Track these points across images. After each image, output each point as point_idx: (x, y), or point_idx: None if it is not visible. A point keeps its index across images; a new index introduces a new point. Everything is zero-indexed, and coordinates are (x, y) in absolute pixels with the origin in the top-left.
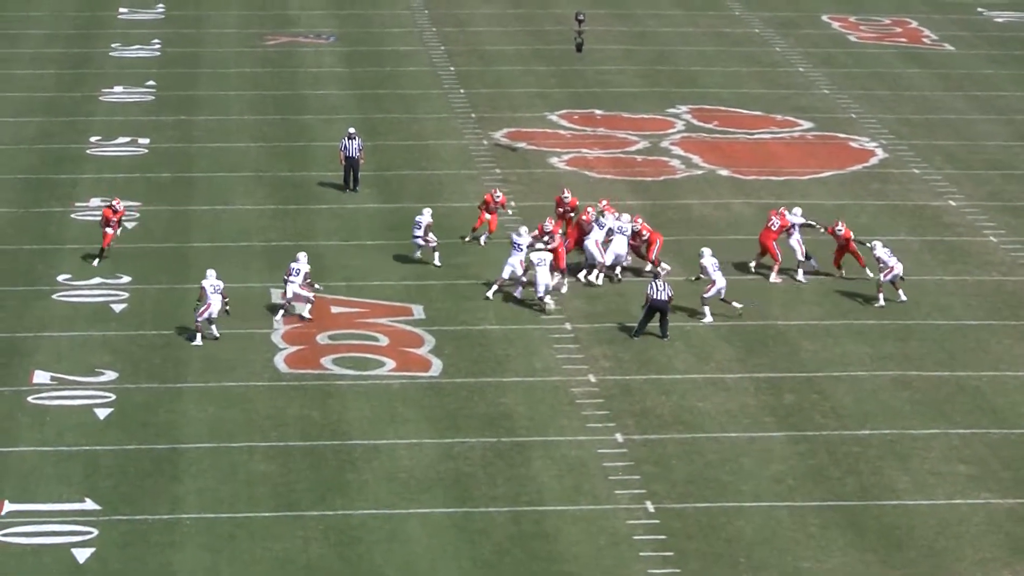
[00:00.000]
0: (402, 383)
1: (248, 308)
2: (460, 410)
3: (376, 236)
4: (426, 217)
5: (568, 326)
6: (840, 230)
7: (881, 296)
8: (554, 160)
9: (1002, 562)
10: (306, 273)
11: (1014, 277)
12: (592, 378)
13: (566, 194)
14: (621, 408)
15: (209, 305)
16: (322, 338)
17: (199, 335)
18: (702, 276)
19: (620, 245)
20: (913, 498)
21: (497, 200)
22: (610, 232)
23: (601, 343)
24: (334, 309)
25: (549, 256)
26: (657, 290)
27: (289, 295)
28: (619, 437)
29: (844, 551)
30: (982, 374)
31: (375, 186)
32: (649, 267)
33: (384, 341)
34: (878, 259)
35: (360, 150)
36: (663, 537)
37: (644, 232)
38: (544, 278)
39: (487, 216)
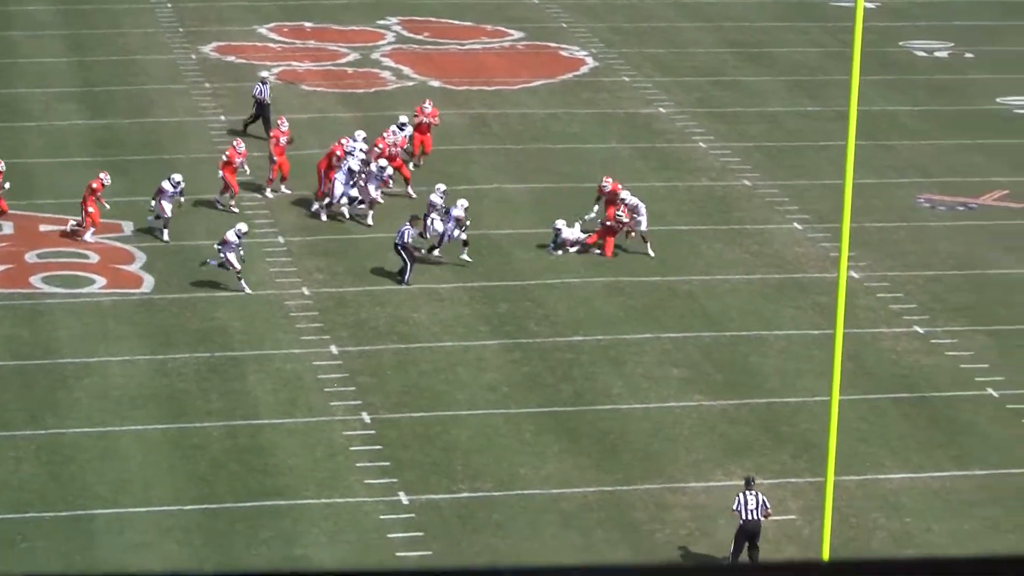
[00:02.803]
0: (114, 300)
1: None
2: (173, 326)
3: (85, 153)
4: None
5: (281, 239)
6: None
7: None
8: (264, 74)
9: (715, 463)
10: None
11: (723, 182)
12: (306, 291)
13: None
14: (335, 320)
15: None
16: (31, 256)
17: None
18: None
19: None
20: (627, 402)
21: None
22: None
23: (315, 256)
24: (43, 227)
25: None
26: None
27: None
28: (334, 349)
29: (560, 457)
30: (693, 278)
31: (82, 102)
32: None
33: (94, 258)
34: (632, 207)
35: (266, 96)
36: (379, 447)
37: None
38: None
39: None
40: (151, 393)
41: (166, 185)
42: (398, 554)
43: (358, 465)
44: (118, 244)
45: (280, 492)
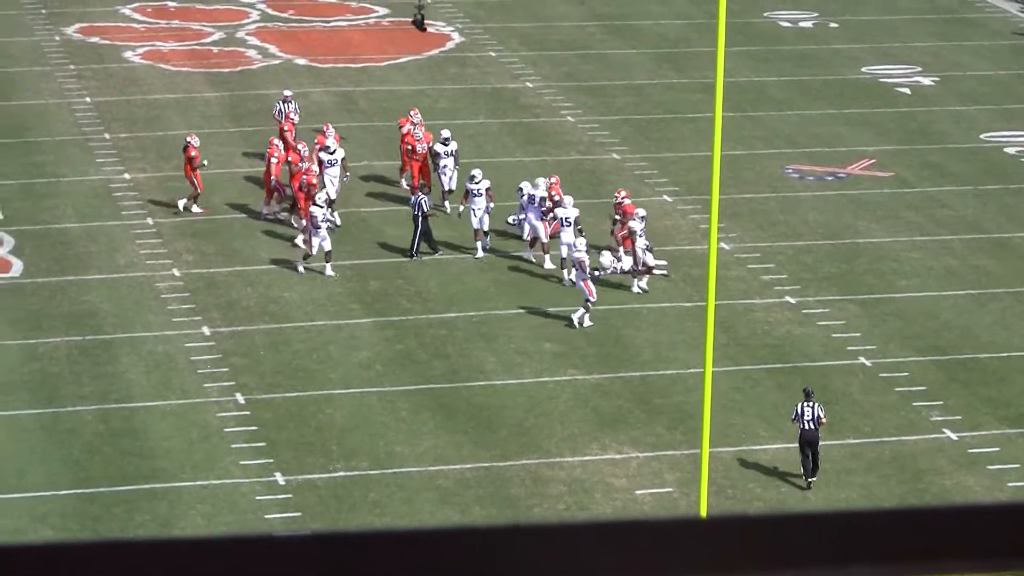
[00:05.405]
0: None
1: None
2: (43, 310)
3: None
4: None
5: (150, 220)
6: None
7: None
8: (129, 54)
9: (590, 436)
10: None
11: (592, 156)
12: (176, 272)
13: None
14: (207, 301)
15: None
16: None
17: None
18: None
19: None
20: (501, 378)
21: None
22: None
23: (184, 237)
24: None
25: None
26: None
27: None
28: (206, 330)
29: (435, 433)
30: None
31: None
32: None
33: None
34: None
35: (296, 113)
36: (254, 428)
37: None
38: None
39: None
40: (22, 378)
41: (438, 147)
42: (276, 535)
43: (233, 446)
44: None
45: (156, 475)
